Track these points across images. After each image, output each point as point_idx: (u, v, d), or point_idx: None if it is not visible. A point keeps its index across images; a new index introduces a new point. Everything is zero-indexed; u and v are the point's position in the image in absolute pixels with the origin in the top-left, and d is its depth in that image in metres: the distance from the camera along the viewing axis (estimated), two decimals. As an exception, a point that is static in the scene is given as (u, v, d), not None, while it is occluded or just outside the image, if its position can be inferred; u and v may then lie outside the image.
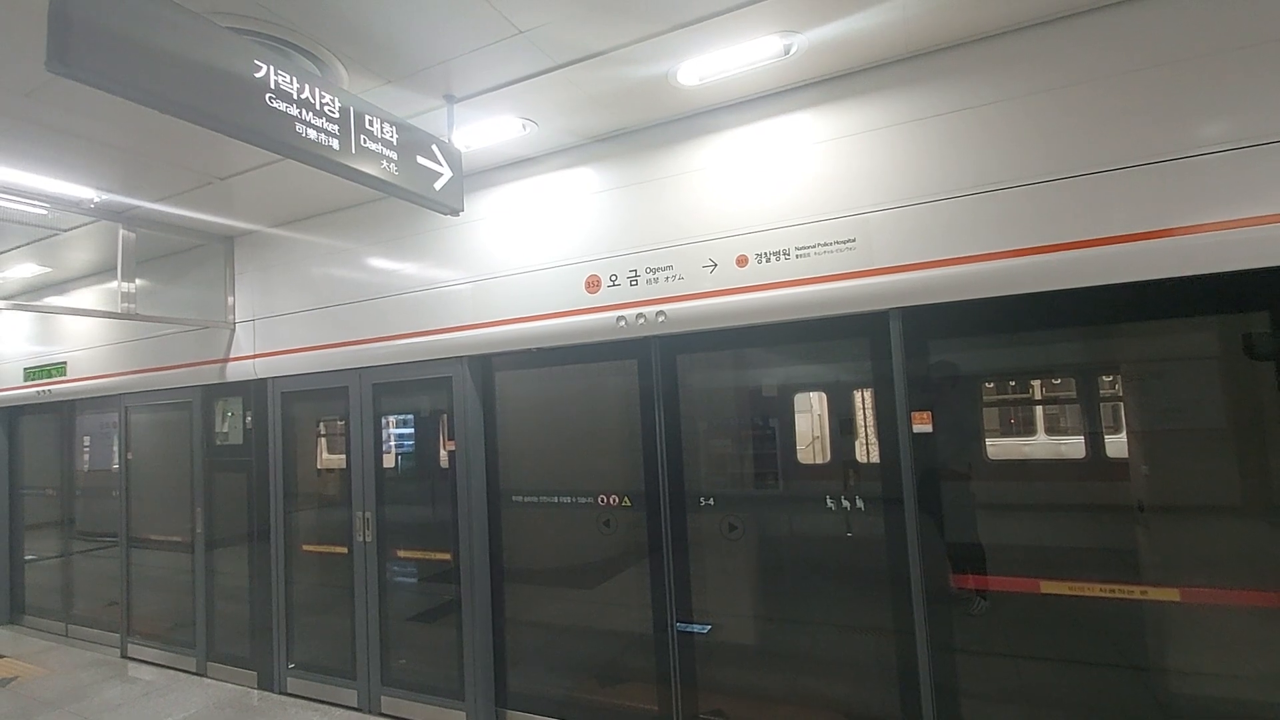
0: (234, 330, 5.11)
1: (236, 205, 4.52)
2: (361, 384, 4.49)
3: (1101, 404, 2.93)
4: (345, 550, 4.50)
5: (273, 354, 4.86)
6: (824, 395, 3.41)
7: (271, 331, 4.91)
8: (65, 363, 6.30)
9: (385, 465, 4.47)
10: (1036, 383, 3.33)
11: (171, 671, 5.26)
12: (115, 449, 6.02)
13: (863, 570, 3.12)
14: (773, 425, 3.44)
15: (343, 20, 2.61)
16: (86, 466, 6.51)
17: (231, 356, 5.09)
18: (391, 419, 4.51)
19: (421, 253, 4.27)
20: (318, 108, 2.51)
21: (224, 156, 3.72)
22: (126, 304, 4.69)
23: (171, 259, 5.46)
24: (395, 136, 2.87)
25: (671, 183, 3.49)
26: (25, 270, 5.92)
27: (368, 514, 4.40)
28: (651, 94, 3.23)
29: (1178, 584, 2.59)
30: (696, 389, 3.57)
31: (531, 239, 3.86)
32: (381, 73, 2.97)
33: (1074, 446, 2.99)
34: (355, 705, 4.38)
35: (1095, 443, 2.92)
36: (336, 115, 2.59)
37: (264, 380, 4.91)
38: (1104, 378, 2.95)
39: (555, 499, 3.91)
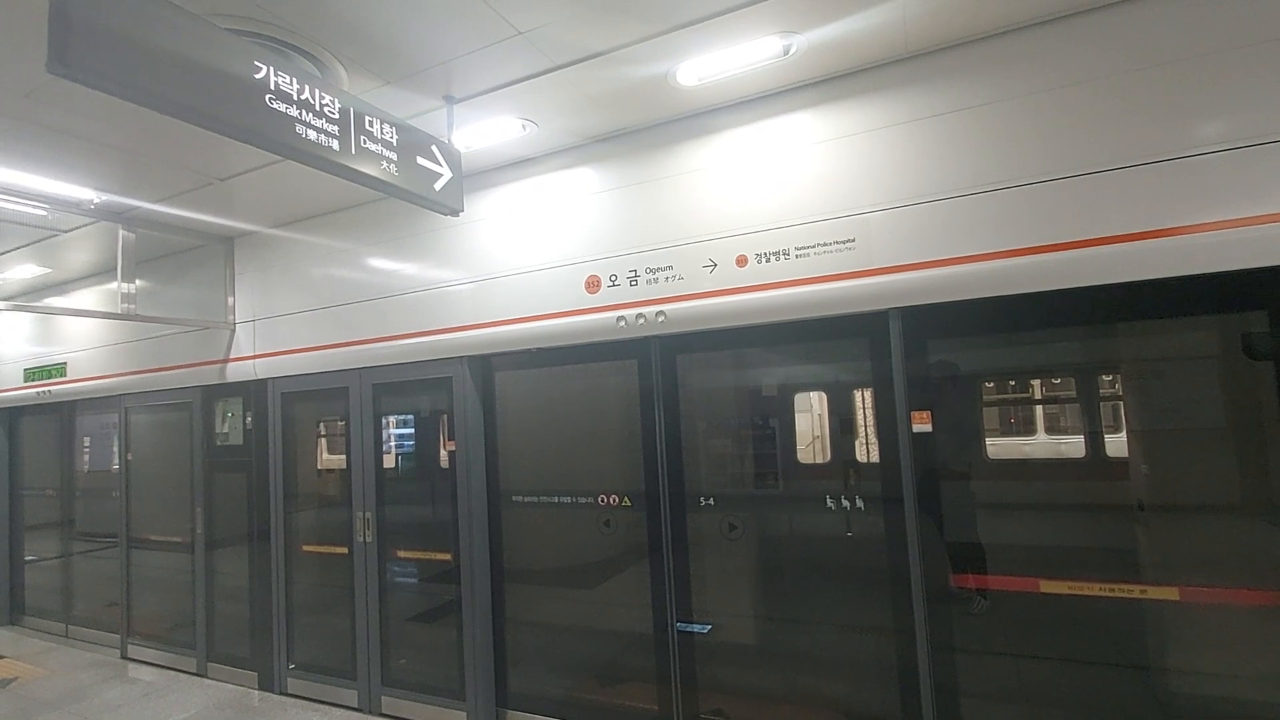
0: (234, 331, 5.12)
1: (236, 206, 4.52)
2: (362, 384, 4.49)
3: (1101, 403, 2.93)
4: (345, 550, 4.51)
5: (273, 354, 4.87)
6: (824, 395, 3.41)
7: (272, 332, 4.91)
8: (65, 363, 6.30)
9: (385, 465, 4.47)
10: (1036, 382, 3.33)
11: (172, 672, 5.26)
12: (115, 449, 6.02)
13: (863, 570, 3.12)
14: (773, 425, 3.44)
15: (342, 21, 2.61)
16: (86, 467, 6.51)
17: (231, 357, 5.09)
18: (392, 419, 4.51)
19: (421, 253, 4.27)
20: (318, 108, 2.51)
21: (224, 157, 3.72)
22: (126, 305, 4.69)
23: (171, 259, 5.46)
24: (395, 137, 2.88)
25: (671, 183, 3.49)
26: (25, 271, 5.92)
27: (368, 514, 4.41)
28: (651, 94, 3.23)
29: (1177, 583, 2.59)
30: (696, 389, 3.57)
31: (531, 239, 3.87)
32: (381, 73, 2.98)
33: (1074, 446, 2.99)
34: (355, 705, 4.38)
35: (1095, 442, 2.92)
36: (336, 116, 2.60)
37: (264, 380, 4.91)
38: (1103, 377, 2.95)
39: (555, 499, 3.91)
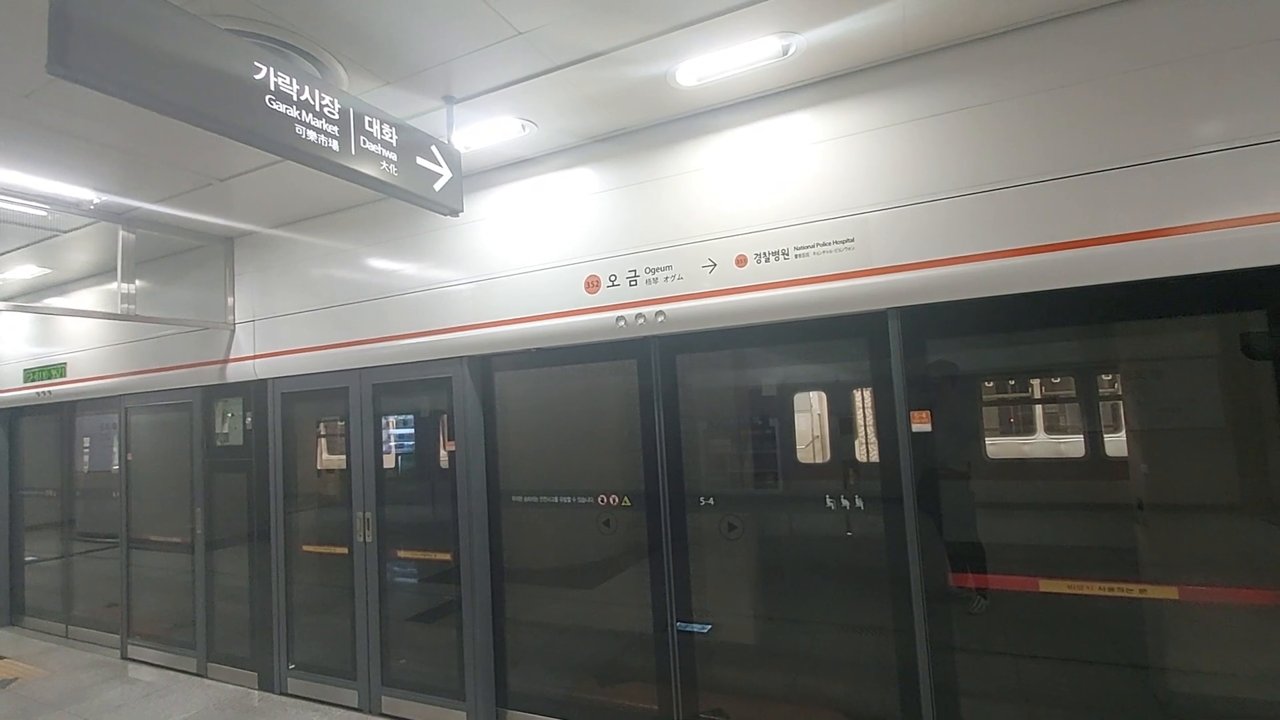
0: (234, 331, 5.12)
1: (236, 206, 4.52)
2: (361, 384, 4.49)
3: (1100, 403, 2.94)
4: (345, 550, 4.51)
5: (273, 355, 4.87)
6: (823, 395, 3.42)
7: (271, 332, 4.91)
8: (65, 364, 6.31)
9: (385, 465, 4.48)
10: (1035, 382, 3.34)
11: (172, 672, 5.26)
12: (115, 450, 6.02)
13: (862, 569, 3.12)
14: (772, 425, 3.44)
15: (342, 22, 2.61)
16: (86, 467, 6.51)
17: (231, 357, 5.09)
18: (391, 419, 4.52)
19: (421, 253, 4.27)
20: (317, 109, 2.52)
21: (224, 158, 3.72)
22: (126, 305, 4.69)
23: (171, 260, 5.46)
24: (395, 138, 2.88)
25: (670, 183, 3.50)
26: (25, 271, 5.92)
27: (368, 514, 4.41)
28: (650, 94, 3.23)
29: (1176, 582, 2.59)
30: (696, 389, 3.57)
31: (531, 239, 3.87)
32: (381, 74, 2.98)
33: (1073, 445, 2.99)
34: (356, 706, 4.38)
35: (1094, 442, 2.92)
36: (336, 116, 2.60)
37: (264, 381, 4.91)
38: (1103, 377, 2.95)
39: (555, 499, 3.91)
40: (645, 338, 3.55)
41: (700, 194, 3.41)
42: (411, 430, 4.53)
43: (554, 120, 3.45)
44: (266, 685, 4.78)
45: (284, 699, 4.63)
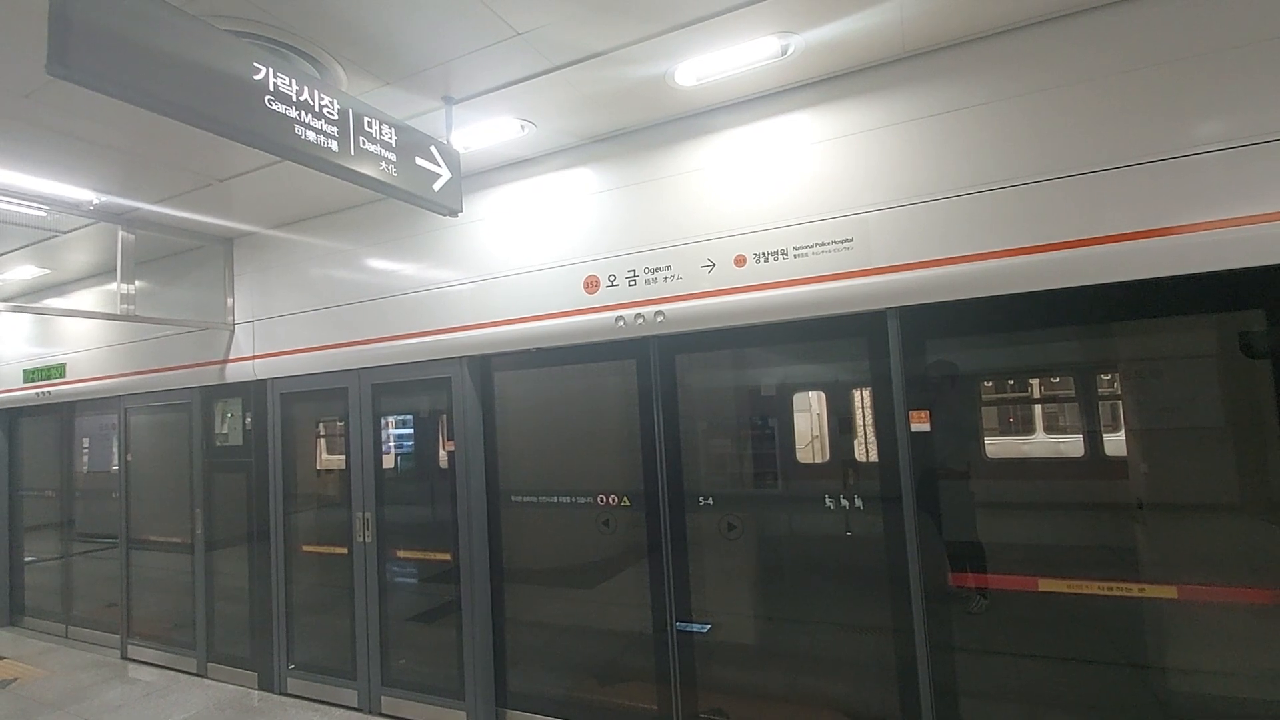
0: (233, 331, 5.12)
1: (236, 207, 4.53)
2: (361, 385, 4.49)
3: (1100, 402, 2.94)
4: (345, 551, 4.51)
5: (272, 355, 4.87)
6: (822, 395, 3.42)
7: (271, 332, 4.91)
8: (65, 364, 6.31)
9: (385, 466, 4.48)
10: (1035, 381, 3.34)
11: (172, 672, 5.26)
12: (115, 450, 6.02)
13: (862, 569, 3.12)
14: (771, 425, 3.44)
15: (341, 22, 2.62)
16: (86, 468, 6.51)
17: (231, 358, 5.10)
18: (391, 419, 4.52)
19: (420, 253, 4.27)
20: (317, 109, 2.52)
21: (223, 158, 3.72)
22: (126, 305, 4.69)
23: (171, 260, 5.47)
24: (394, 138, 2.88)
25: (670, 183, 3.50)
26: (25, 272, 5.92)
27: (367, 514, 4.41)
28: (649, 95, 3.24)
29: (1176, 582, 2.60)
30: (695, 389, 3.57)
31: (530, 240, 3.87)
32: (380, 74, 2.98)
33: (1073, 445, 2.99)
34: (355, 705, 4.39)
35: (1094, 441, 2.92)
36: (335, 117, 2.60)
37: (263, 381, 4.92)
38: (1102, 376, 2.96)
39: (555, 499, 3.92)
40: (644, 338, 3.55)
41: (699, 194, 3.41)
42: (411, 430, 4.53)
43: (553, 120, 3.46)
44: (266, 685, 4.78)
45: (284, 699, 4.63)
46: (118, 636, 5.78)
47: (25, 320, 6.80)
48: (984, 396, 3.15)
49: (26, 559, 6.95)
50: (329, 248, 4.68)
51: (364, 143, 2.74)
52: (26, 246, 5.20)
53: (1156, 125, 2.54)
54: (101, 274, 5.96)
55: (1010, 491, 3.04)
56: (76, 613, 6.37)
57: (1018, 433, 3.55)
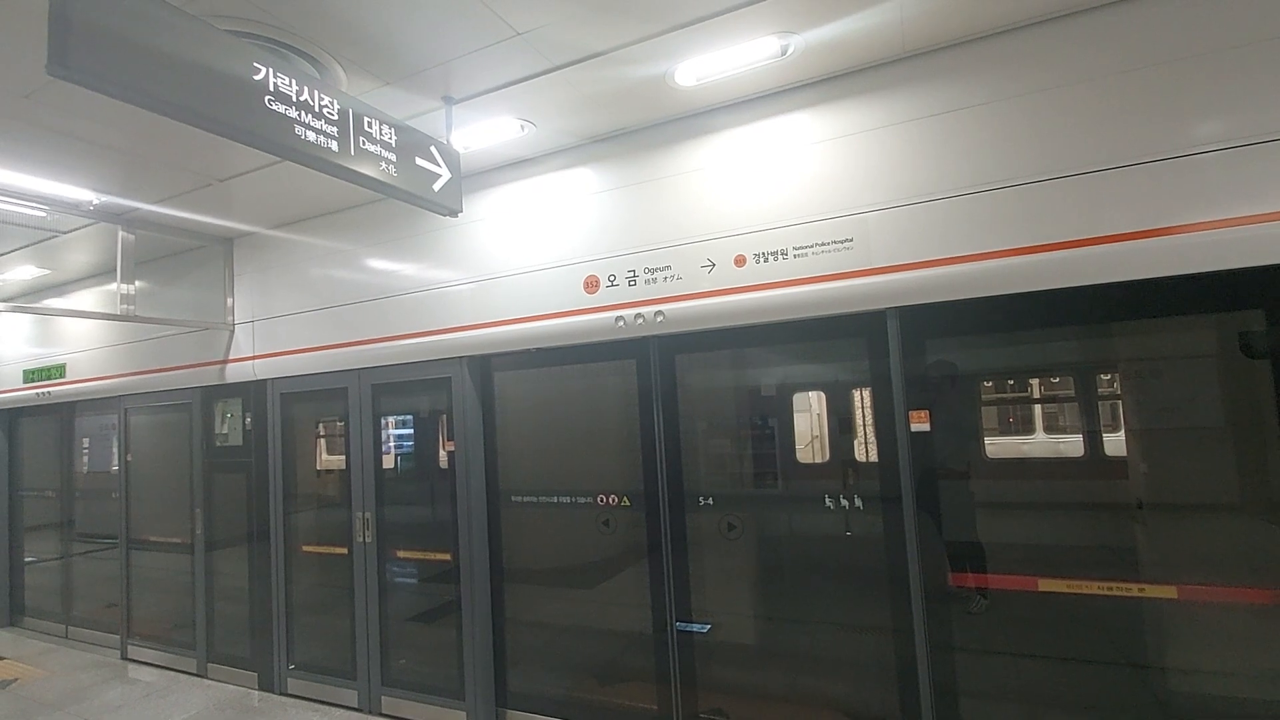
0: (233, 331, 5.12)
1: (236, 207, 4.53)
2: (361, 385, 4.49)
3: (1099, 402, 2.94)
4: (345, 551, 4.51)
5: (272, 355, 4.87)
6: (822, 395, 3.42)
7: (271, 333, 4.91)
8: (65, 364, 6.31)
9: (385, 466, 4.48)
10: (1035, 381, 3.34)
11: (172, 673, 5.26)
12: (115, 451, 6.02)
13: (862, 569, 3.12)
14: (771, 425, 3.44)
15: (341, 22, 2.62)
16: (86, 468, 6.51)
17: (231, 358, 5.10)
18: (391, 420, 4.52)
19: (420, 254, 4.27)
20: (316, 110, 2.52)
21: (223, 158, 3.72)
22: (126, 306, 4.69)
23: (171, 260, 5.47)
24: (394, 138, 2.88)
25: (670, 183, 3.50)
26: (25, 272, 5.92)
27: (367, 514, 4.41)
28: (649, 95, 3.24)
29: (1175, 582, 2.60)
30: (695, 389, 3.57)
31: (530, 240, 3.87)
32: (380, 74, 2.98)
33: (1072, 445, 2.99)
34: (355, 706, 4.39)
35: (1093, 441, 2.92)
36: (335, 117, 2.60)
37: (263, 381, 4.92)
38: (1102, 376, 2.96)
39: (554, 499, 3.92)
40: (644, 338, 3.55)
41: (699, 194, 3.41)
42: (411, 430, 4.53)
43: (553, 120, 3.46)
44: (266, 685, 4.78)
45: (284, 699, 4.63)
46: (118, 637, 5.78)
47: (25, 320, 6.80)
48: (984, 396, 3.15)
49: (26, 559, 6.95)
50: (329, 248, 4.68)
51: (364, 143, 2.74)
52: (26, 247, 5.20)
53: (1156, 125, 2.54)
54: (101, 274, 5.96)
55: (1010, 491, 3.04)
56: (76, 613, 6.37)
57: (1018, 433, 3.55)
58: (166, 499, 5.53)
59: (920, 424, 2.94)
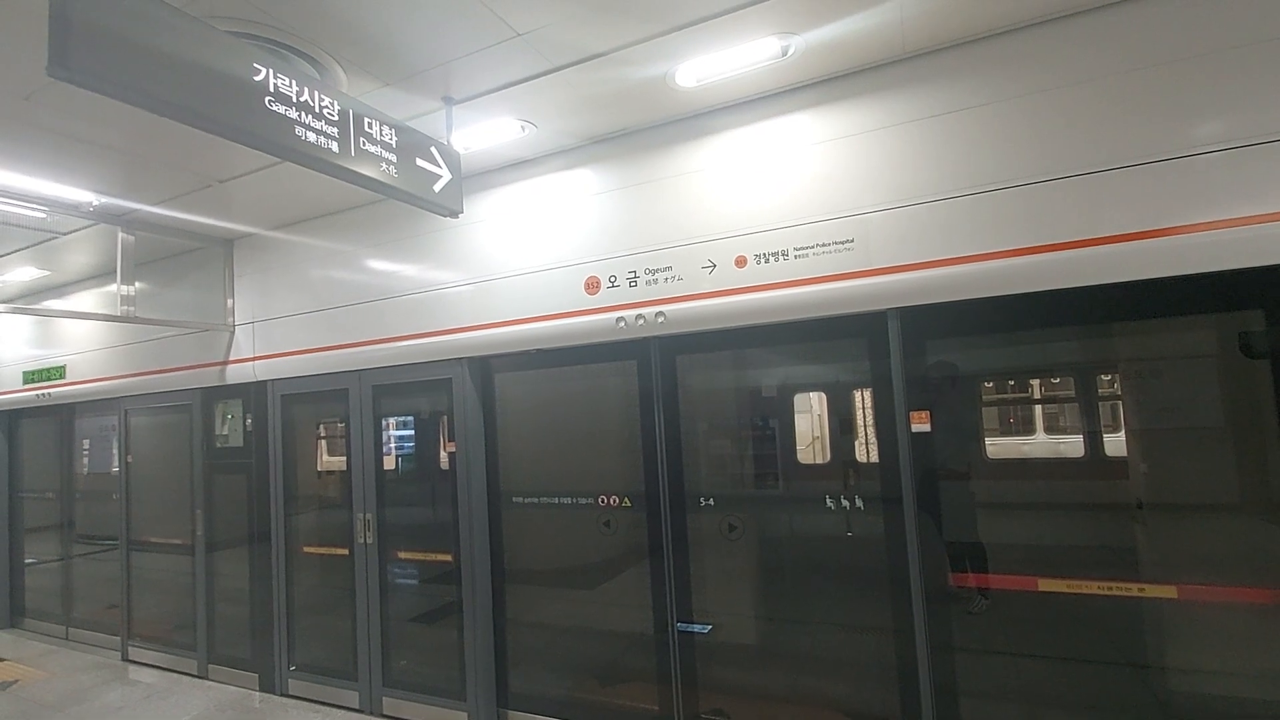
0: (233, 333, 5.12)
1: (236, 208, 4.52)
2: (361, 386, 4.49)
3: (1100, 403, 2.94)
4: (346, 552, 4.51)
5: (272, 356, 4.87)
6: (823, 395, 3.42)
7: (271, 334, 4.91)
8: (64, 366, 6.30)
9: (386, 467, 4.48)
10: (1035, 382, 3.34)
11: (173, 674, 5.26)
12: (115, 452, 6.02)
13: (862, 570, 3.12)
14: (772, 425, 3.44)
15: (341, 23, 2.62)
16: (86, 469, 6.51)
17: (231, 359, 5.09)
18: (391, 421, 4.52)
19: (421, 255, 4.27)
20: (317, 110, 2.52)
21: (223, 159, 3.72)
22: (126, 307, 4.69)
23: (171, 262, 5.46)
24: (394, 139, 2.88)
25: (670, 184, 3.50)
26: (24, 273, 5.92)
27: (368, 515, 4.41)
28: (650, 96, 3.24)
29: (1175, 581, 2.60)
30: (696, 389, 3.57)
31: (531, 240, 3.87)
32: (380, 75, 2.98)
33: (1073, 445, 3.00)
34: (357, 706, 4.38)
35: (1094, 441, 2.93)
36: (336, 118, 2.60)
37: (264, 383, 4.92)
38: (1102, 377, 2.96)
39: (555, 500, 3.91)
40: (645, 339, 3.55)
41: (700, 195, 3.41)
42: (412, 432, 4.53)
43: (553, 121, 3.46)
44: (268, 687, 4.78)
45: (285, 700, 4.63)
46: (118, 638, 5.78)
47: (25, 322, 6.80)
48: (984, 397, 3.15)
49: (27, 561, 6.94)
50: (329, 249, 4.68)
51: (364, 144, 2.73)
52: (26, 248, 5.20)
53: (1157, 126, 2.54)
54: (101, 275, 5.96)
55: (1010, 492, 3.04)
56: (77, 614, 6.36)
57: (1018, 433, 3.56)
58: (167, 500, 5.53)
59: (921, 424, 2.94)
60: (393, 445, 4.54)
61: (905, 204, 2.94)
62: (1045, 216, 2.68)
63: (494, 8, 2.54)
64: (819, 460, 3.42)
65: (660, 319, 3.41)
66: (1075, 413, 3.02)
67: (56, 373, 6.36)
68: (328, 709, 4.44)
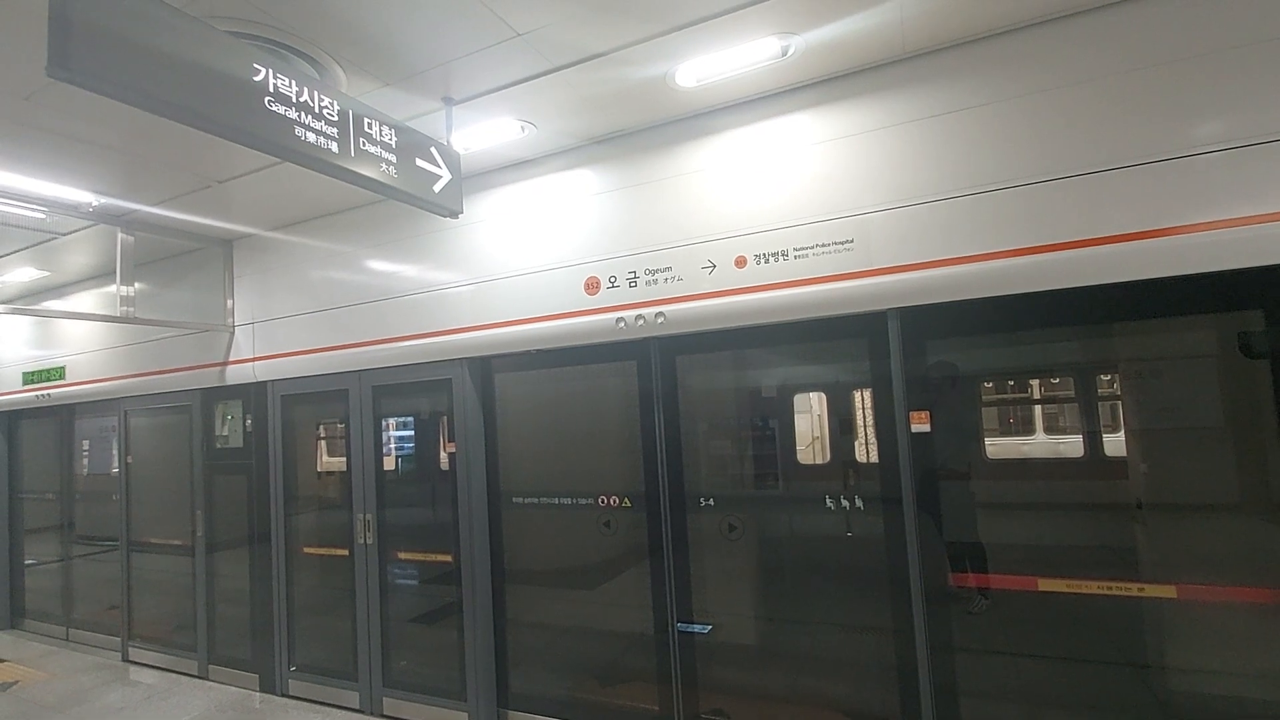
0: (233, 333, 5.12)
1: (235, 208, 4.52)
2: (361, 386, 4.49)
3: (1100, 403, 2.94)
4: (346, 552, 4.51)
5: (272, 357, 4.87)
6: (823, 395, 3.42)
7: (271, 334, 4.91)
8: (64, 367, 6.30)
9: (386, 467, 4.48)
10: (1035, 382, 3.34)
11: (173, 675, 5.26)
12: (115, 453, 6.02)
13: (862, 570, 3.12)
14: (772, 426, 3.44)
15: (341, 23, 2.62)
16: (86, 470, 6.51)
17: (231, 359, 5.09)
18: (391, 421, 4.52)
19: (421, 255, 4.27)
20: (316, 111, 2.52)
21: (223, 160, 3.72)
22: (125, 307, 4.69)
23: (170, 262, 5.46)
24: (394, 139, 2.88)
25: (670, 184, 3.50)
26: (24, 274, 5.92)
27: (368, 516, 4.41)
28: (650, 96, 3.24)
29: (1175, 581, 2.60)
30: (696, 390, 3.57)
31: (531, 241, 3.87)
32: (380, 75, 2.98)
33: (1073, 445, 3.00)
34: (357, 707, 4.38)
35: (1093, 442, 2.92)
36: (335, 118, 2.60)
37: (264, 383, 4.91)
38: (1102, 377, 2.96)
39: (555, 500, 3.91)
40: (645, 339, 3.55)
41: (700, 195, 3.41)
42: (412, 432, 4.53)
43: (553, 121, 3.46)
44: (268, 687, 4.77)
45: (285, 700, 4.63)
46: (119, 639, 5.77)
47: (25, 322, 6.80)
48: (984, 397, 3.15)
49: (27, 562, 6.94)
50: (329, 249, 4.67)
51: (364, 144, 2.73)
52: (26, 249, 5.19)
53: (1157, 126, 2.54)
54: (101, 276, 5.96)
55: (1010, 492, 3.04)
56: (77, 615, 6.36)
57: (1018, 433, 3.55)
58: (167, 501, 5.53)
59: (921, 425, 2.94)
60: (393, 446, 4.54)
61: (905, 204, 2.94)
62: (1045, 216, 2.68)
63: (494, 8, 2.54)
64: (819, 460, 3.42)
65: (660, 319, 3.41)
66: (1075, 413, 3.02)
67: (56, 373, 6.36)
68: (328, 709, 4.44)
